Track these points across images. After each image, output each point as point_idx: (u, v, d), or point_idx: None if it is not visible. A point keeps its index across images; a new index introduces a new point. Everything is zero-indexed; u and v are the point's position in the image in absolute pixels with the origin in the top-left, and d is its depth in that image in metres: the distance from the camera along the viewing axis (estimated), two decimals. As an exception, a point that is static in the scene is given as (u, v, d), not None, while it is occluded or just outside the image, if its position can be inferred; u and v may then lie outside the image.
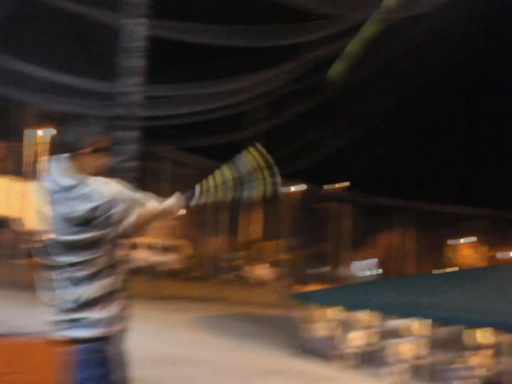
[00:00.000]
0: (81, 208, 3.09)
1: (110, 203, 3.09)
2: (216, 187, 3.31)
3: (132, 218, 3.13)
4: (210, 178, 3.33)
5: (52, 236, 3.18)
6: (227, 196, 3.33)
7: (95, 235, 3.11)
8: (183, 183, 27.74)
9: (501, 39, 27.99)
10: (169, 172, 20.40)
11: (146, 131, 5.04)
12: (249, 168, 3.34)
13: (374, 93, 22.69)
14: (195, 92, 17.34)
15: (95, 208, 3.08)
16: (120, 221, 3.13)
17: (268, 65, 17.14)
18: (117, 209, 3.10)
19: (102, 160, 3.25)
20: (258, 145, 3.35)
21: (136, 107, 4.80)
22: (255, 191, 3.35)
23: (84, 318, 3.13)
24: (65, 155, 3.23)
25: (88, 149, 3.20)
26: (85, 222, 3.09)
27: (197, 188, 3.32)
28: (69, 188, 3.13)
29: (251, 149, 3.34)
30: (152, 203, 3.23)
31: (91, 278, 3.13)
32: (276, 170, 3.32)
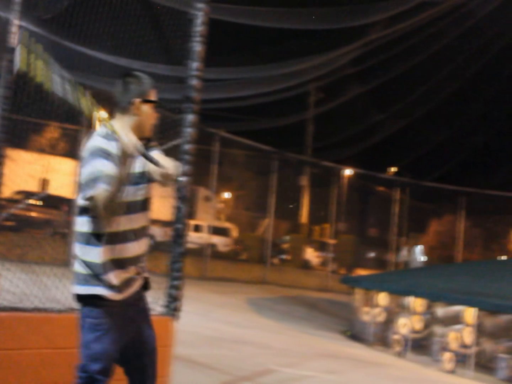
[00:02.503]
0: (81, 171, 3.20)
1: (81, 168, 3.13)
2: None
3: (92, 192, 3.03)
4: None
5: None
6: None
7: (81, 202, 3.17)
8: (231, 165, 28.00)
9: None
10: (219, 154, 20.57)
11: (201, 114, 5.17)
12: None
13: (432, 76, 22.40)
14: (251, 76, 17.44)
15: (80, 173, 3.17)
16: (82, 189, 3.10)
17: (326, 48, 17.07)
18: (81, 176, 3.12)
19: (152, 115, 3.31)
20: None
21: (194, 91, 4.93)
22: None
23: (76, 272, 3.19)
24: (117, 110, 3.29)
25: (138, 100, 3.24)
26: (79, 187, 3.21)
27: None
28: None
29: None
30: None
31: (81, 240, 3.17)
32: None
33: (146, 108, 3.28)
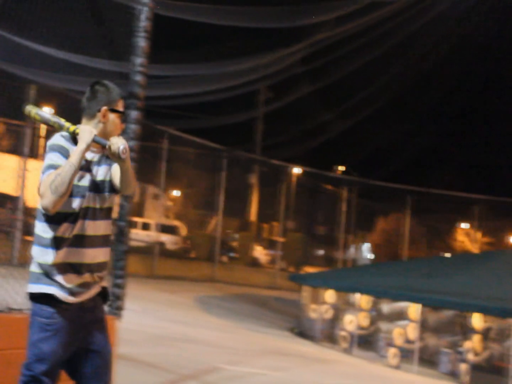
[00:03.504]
0: None
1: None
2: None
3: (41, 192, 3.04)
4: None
5: None
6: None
7: (39, 205, 3.13)
8: (180, 162, 27.83)
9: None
10: (167, 152, 20.42)
11: (146, 111, 5.10)
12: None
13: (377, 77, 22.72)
14: (197, 73, 17.36)
15: None
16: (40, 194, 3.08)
17: (273, 46, 17.13)
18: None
19: (118, 125, 3.30)
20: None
21: (137, 86, 4.86)
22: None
23: (30, 271, 3.16)
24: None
25: (105, 108, 3.23)
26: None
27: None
28: None
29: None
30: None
31: (36, 242, 3.14)
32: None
33: (113, 117, 3.27)
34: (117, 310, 4.92)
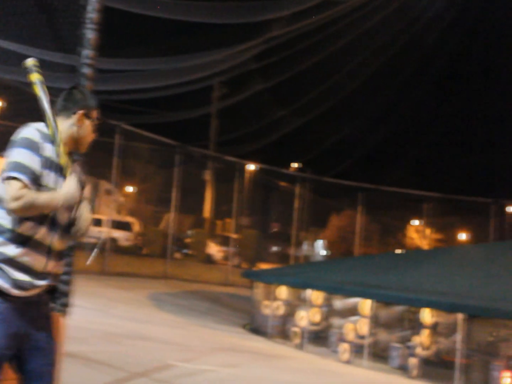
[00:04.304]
0: None
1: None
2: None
3: None
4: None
5: None
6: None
7: None
8: (133, 158, 27.58)
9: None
10: (120, 147, 20.19)
11: (99, 105, 5.00)
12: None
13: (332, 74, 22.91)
14: (151, 68, 17.20)
15: None
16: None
17: (227, 43, 17.09)
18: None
19: (91, 132, 3.26)
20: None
21: (86, 80, 4.76)
22: None
23: None
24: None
25: (82, 112, 3.19)
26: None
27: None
28: None
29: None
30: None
31: None
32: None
33: (88, 124, 3.24)
34: (64, 307, 4.81)
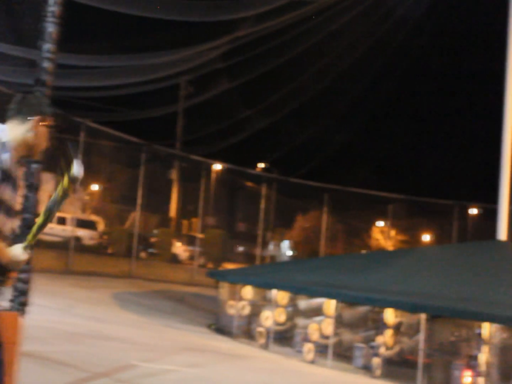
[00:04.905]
0: None
1: None
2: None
3: None
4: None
5: None
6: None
7: None
8: (98, 156, 27.24)
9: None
10: (84, 144, 19.92)
11: (60, 101, 4.91)
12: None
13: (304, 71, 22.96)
14: (116, 65, 17.03)
15: None
16: None
17: (193, 41, 17.01)
18: None
19: (45, 139, 3.20)
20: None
21: (46, 74, 4.65)
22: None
23: None
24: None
25: (38, 118, 3.13)
26: None
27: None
28: None
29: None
30: None
31: None
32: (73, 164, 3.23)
33: (43, 131, 3.17)
34: (21, 306, 4.70)
